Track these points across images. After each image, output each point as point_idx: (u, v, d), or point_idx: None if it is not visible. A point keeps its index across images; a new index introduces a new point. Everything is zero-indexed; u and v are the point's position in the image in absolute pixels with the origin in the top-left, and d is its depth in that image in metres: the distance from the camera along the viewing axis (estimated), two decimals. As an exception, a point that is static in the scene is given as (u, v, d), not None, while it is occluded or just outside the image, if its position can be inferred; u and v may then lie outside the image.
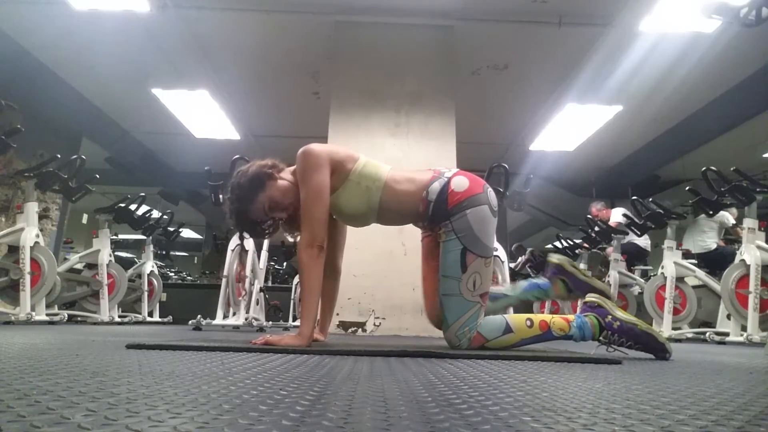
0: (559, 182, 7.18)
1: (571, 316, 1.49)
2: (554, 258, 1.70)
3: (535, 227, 9.68)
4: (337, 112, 3.62)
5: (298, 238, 1.56)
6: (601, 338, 1.43)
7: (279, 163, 1.64)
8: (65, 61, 4.49)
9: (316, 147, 1.52)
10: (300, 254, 1.47)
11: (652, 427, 0.46)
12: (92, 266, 3.96)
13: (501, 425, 0.46)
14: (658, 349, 1.40)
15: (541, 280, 1.73)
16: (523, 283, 1.76)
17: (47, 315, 3.17)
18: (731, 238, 4.84)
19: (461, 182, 1.53)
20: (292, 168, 1.63)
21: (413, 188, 1.55)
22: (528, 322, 1.47)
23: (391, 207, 1.56)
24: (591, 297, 1.50)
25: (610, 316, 1.43)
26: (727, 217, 4.71)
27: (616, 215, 4.91)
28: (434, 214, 1.53)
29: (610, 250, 5.14)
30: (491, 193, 1.57)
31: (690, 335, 3.48)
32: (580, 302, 1.58)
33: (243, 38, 4.12)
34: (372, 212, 1.57)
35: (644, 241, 5.05)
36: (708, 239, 4.71)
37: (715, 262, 4.44)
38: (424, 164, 2.90)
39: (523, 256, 7.57)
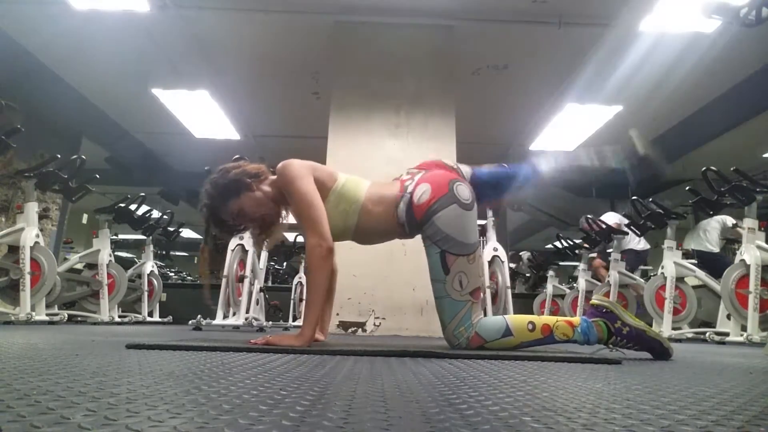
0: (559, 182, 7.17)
1: (576, 320, 1.44)
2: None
3: (535, 227, 9.68)
4: (337, 112, 3.62)
5: (301, 239, 1.57)
6: (609, 344, 1.40)
7: (265, 172, 1.64)
8: (65, 61, 4.48)
9: (296, 161, 1.55)
10: (309, 258, 1.46)
11: (652, 427, 0.46)
12: (92, 266, 3.96)
13: (501, 425, 0.46)
14: (662, 353, 1.39)
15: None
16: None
17: (47, 315, 3.17)
18: (732, 238, 4.82)
19: (423, 192, 1.51)
20: (274, 178, 1.63)
21: (384, 209, 1.55)
22: (530, 326, 1.44)
23: (367, 229, 1.58)
24: (599, 301, 1.46)
25: (619, 322, 1.39)
26: (728, 217, 4.70)
27: (609, 219, 4.84)
28: (410, 229, 1.56)
29: (598, 262, 5.09)
30: (460, 188, 1.52)
31: (690, 335, 3.47)
32: (582, 303, 1.56)
33: (243, 38, 4.12)
34: (348, 232, 1.59)
35: (641, 244, 5.00)
36: (710, 239, 4.69)
37: (715, 268, 4.39)
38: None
39: (521, 262, 7.65)
